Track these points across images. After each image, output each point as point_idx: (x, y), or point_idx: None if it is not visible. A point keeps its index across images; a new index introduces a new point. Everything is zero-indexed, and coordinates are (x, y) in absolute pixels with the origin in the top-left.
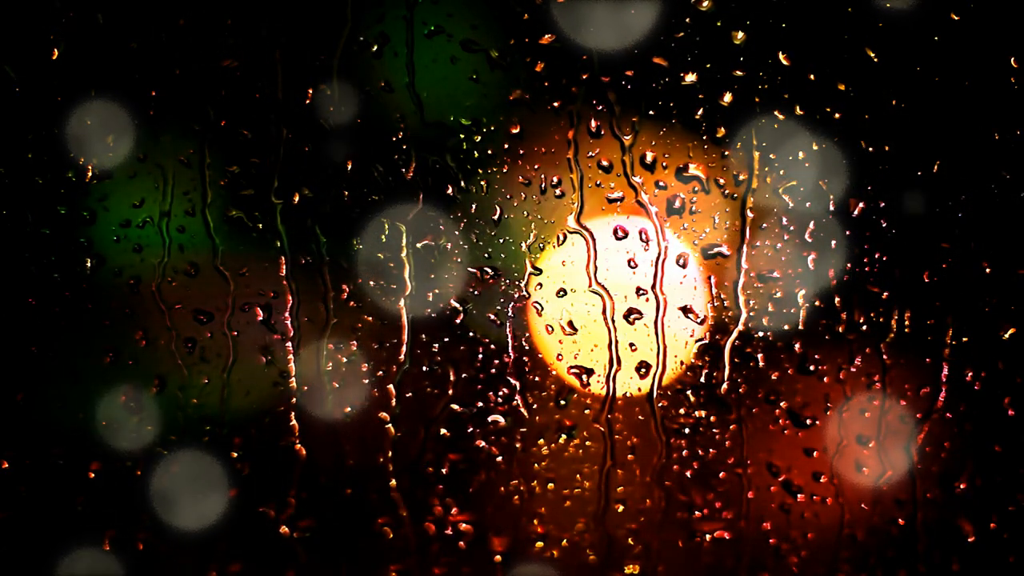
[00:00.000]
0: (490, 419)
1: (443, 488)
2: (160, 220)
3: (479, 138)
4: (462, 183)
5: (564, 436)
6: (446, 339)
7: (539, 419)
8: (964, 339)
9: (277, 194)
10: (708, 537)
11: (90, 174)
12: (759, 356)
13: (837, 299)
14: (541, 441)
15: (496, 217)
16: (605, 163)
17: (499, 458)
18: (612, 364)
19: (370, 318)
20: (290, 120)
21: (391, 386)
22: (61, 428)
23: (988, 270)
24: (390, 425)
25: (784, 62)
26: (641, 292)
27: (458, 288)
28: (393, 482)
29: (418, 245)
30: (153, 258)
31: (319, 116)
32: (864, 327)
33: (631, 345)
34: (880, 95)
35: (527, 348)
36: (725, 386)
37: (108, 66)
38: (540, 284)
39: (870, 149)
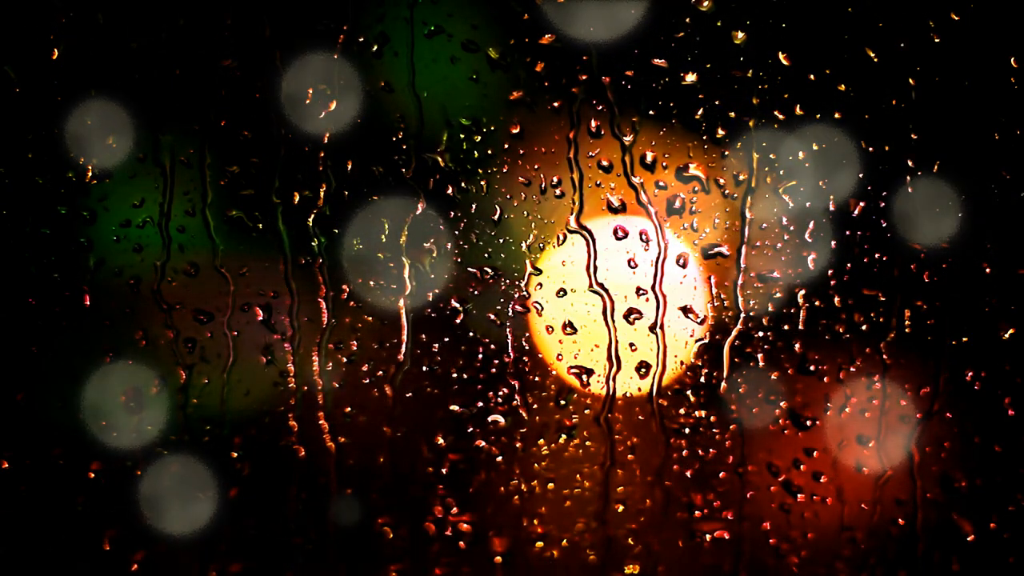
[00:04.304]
0: (490, 419)
1: (443, 488)
2: (160, 220)
3: (479, 138)
4: (462, 183)
5: (564, 436)
6: (446, 339)
7: (539, 419)
8: (964, 339)
9: (277, 194)
10: (708, 537)
11: (90, 174)
12: (759, 356)
13: (837, 299)
14: (541, 441)
15: (496, 217)
16: (605, 163)
17: (499, 458)
18: (612, 364)
19: (370, 318)
20: (290, 120)
21: (390, 386)
22: (61, 428)
23: (988, 270)
24: (389, 425)
25: (784, 62)
26: (641, 292)
27: (458, 288)
28: (393, 482)
29: (418, 245)
30: (153, 258)
31: (319, 116)
32: (864, 327)
33: (631, 345)
34: (880, 95)
35: (527, 348)
36: (725, 386)
37: (108, 66)
38: (540, 284)
39: (870, 149)
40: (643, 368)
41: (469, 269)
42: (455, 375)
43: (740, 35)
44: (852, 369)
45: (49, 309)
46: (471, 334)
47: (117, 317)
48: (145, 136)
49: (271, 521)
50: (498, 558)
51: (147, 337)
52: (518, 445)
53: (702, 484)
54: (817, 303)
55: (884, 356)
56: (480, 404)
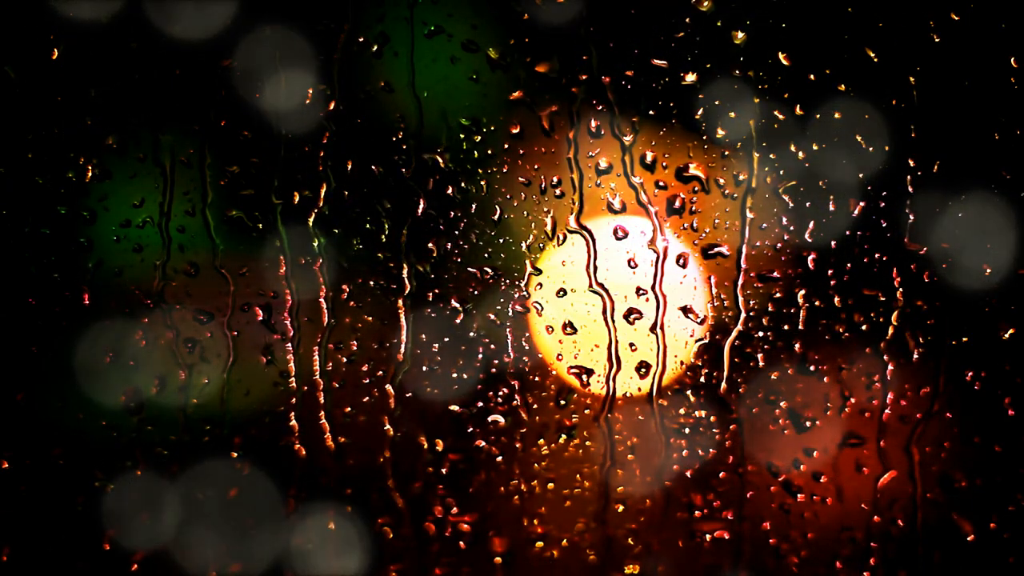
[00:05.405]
0: (490, 419)
1: (443, 488)
2: (160, 220)
3: (479, 138)
4: (462, 183)
5: (564, 436)
6: (446, 339)
7: (539, 419)
8: (964, 339)
9: (277, 194)
10: (708, 537)
11: (90, 174)
12: (759, 356)
13: (837, 299)
14: (541, 441)
15: (496, 217)
16: (605, 163)
17: (499, 458)
18: (612, 364)
19: (370, 318)
20: (290, 120)
21: (390, 386)
22: (61, 428)
23: (988, 270)
24: (390, 425)
25: (784, 62)
26: (641, 292)
27: (458, 288)
28: (393, 482)
29: (418, 245)
30: (153, 258)
31: (319, 116)
32: (864, 327)
33: (631, 345)
34: (880, 95)
35: (527, 348)
36: (725, 386)
37: (108, 66)
38: (540, 284)
39: (870, 149)
40: (643, 368)
41: (469, 269)
42: (455, 375)
43: (740, 35)
44: (852, 369)
45: (49, 309)
46: (471, 334)
47: (117, 317)
48: (145, 136)
49: (271, 521)
50: (498, 558)
51: (147, 337)
52: (518, 445)
53: (702, 484)
54: (817, 303)
55: (884, 356)
56: (480, 404)
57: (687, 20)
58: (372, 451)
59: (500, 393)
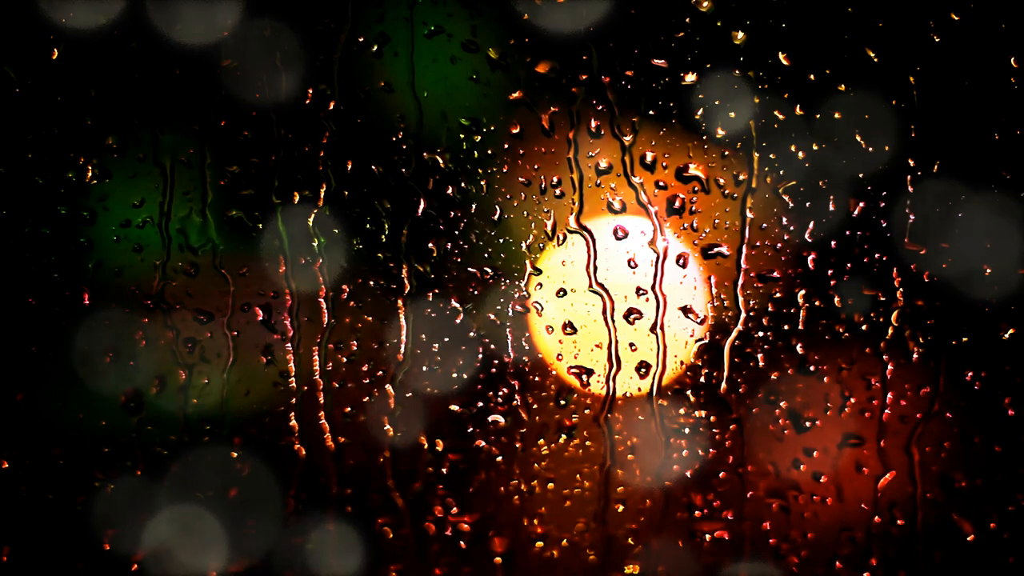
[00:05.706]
0: (490, 419)
1: (443, 488)
2: (160, 220)
3: (479, 138)
4: (462, 183)
5: (564, 436)
6: (446, 339)
7: (539, 419)
8: (964, 339)
9: (277, 194)
10: (708, 537)
11: (90, 174)
12: (759, 356)
13: (837, 299)
14: (541, 441)
15: (496, 217)
16: (605, 163)
17: (499, 458)
18: (612, 364)
19: (370, 318)
20: (290, 120)
21: (390, 386)
22: (61, 428)
23: (988, 270)
24: (390, 426)
25: (784, 62)
26: (641, 292)
27: (458, 288)
28: (393, 482)
29: (418, 245)
30: (153, 258)
31: (319, 116)
32: (864, 327)
33: (631, 345)
34: (880, 95)
35: (527, 348)
36: (725, 386)
37: (108, 66)
38: (540, 284)
39: (870, 149)
40: (643, 368)
41: (469, 269)
42: (455, 375)
43: (740, 35)
44: (852, 369)
45: (49, 309)
46: (471, 334)
47: (117, 317)
48: (145, 136)
49: (271, 521)
50: (498, 558)
51: (147, 337)
52: (518, 445)
53: (702, 484)
54: (817, 303)
55: (884, 356)
56: (480, 404)
57: (687, 20)
58: (372, 451)
59: (500, 393)
